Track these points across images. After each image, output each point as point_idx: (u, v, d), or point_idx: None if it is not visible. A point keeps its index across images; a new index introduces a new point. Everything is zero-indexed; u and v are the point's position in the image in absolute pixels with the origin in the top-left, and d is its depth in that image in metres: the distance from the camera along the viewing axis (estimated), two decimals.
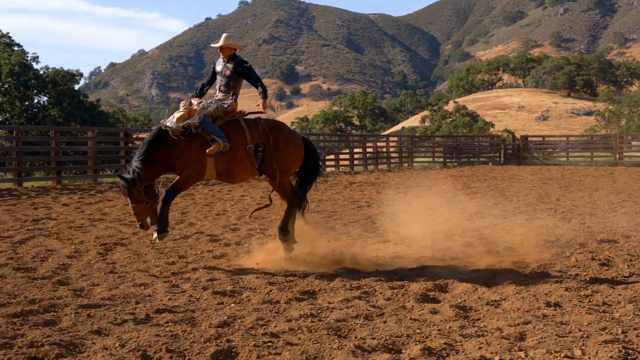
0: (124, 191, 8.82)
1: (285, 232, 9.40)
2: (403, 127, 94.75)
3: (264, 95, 9.38)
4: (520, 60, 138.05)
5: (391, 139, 44.07)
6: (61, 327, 6.25)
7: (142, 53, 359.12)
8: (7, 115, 42.90)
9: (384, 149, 39.04)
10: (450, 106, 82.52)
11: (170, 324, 6.33)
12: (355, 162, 35.83)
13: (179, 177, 9.05)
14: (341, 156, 36.09)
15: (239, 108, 9.49)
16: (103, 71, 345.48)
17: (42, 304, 7.02)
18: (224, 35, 9.59)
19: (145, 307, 6.94)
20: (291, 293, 7.61)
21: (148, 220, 8.94)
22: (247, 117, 9.53)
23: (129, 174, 8.78)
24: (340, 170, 33.66)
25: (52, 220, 13.79)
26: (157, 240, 9.04)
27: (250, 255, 9.85)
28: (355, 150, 36.82)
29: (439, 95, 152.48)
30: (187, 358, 5.40)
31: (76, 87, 43.75)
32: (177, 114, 8.94)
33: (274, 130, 9.41)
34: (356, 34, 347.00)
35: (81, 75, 44.90)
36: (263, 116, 9.63)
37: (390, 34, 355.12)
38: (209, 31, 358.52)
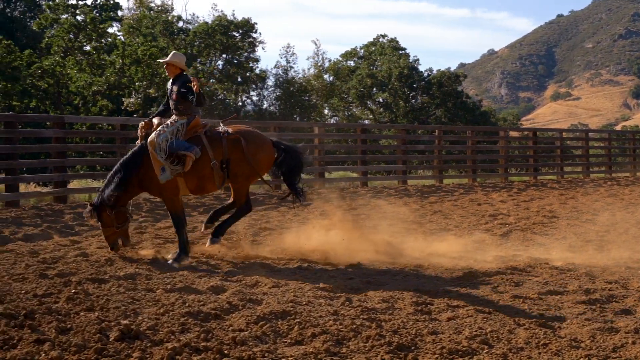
0: (93, 216, 9.01)
1: (220, 232, 9.32)
2: None
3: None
4: None
5: None
6: None
7: (491, 53, 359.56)
8: (393, 115, 45.45)
9: None
10: None
11: None
12: None
13: (166, 204, 9.25)
14: None
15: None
16: (453, 71, 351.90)
17: (602, 294, 7.41)
18: (172, 52, 9.45)
19: None
20: None
21: (120, 242, 9.09)
22: (214, 128, 9.37)
23: (99, 199, 8.93)
24: None
25: (508, 216, 14.43)
26: (175, 265, 8.71)
27: None
28: None
29: None
30: None
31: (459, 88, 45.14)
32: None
33: (240, 141, 9.16)
34: None
35: (465, 76, 46.32)
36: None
37: None
38: (561, 28, 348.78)
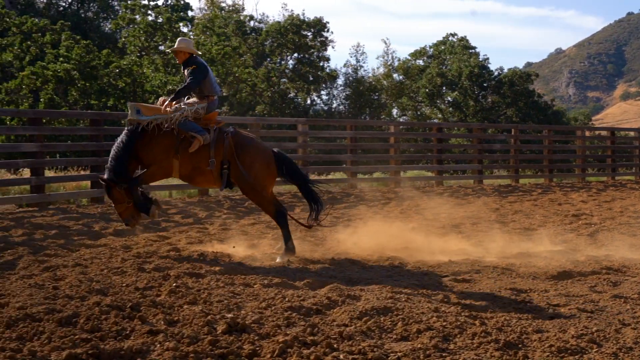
0: (106, 193, 9.28)
1: (291, 250, 8.99)
2: None
3: (174, 95, 9.20)
4: None
5: None
6: None
7: (558, 52, 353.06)
8: (462, 115, 45.07)
9: None
10: None
11: None
12: None
13: (146, 173, 9.17)
14: None
15: None
16: (524, 70, 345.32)
17: None
18: (178, 39, 9.53)
19: None
20: None
21: (132, 217, 9.30)
22: (222, 128, 9.32)
23: (108, 175, 9.03)
24: None
25: (591, 216, 14.20)
26: (151, 216, 9.32)
27: None
28: None
29: None
30: None
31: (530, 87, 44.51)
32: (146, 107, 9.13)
33: (240, 147, 9.15)
34: None
35: (537, 75, 45.69)
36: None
37: None
38: (631, 26, 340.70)
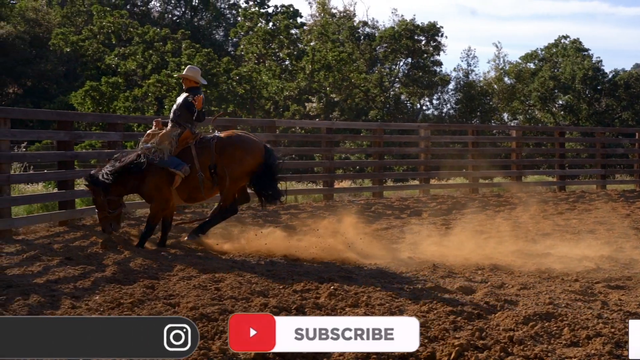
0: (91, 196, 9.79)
1: (198, 233, 9.86)
2: None
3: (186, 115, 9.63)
4: None
5: None
6: None
7: None
8: (575, 118, 44.03)
9: None
10: None
11: None
12: None
13: (150, 211, 9.89)
14: None
15: None
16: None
17: None
18: (188, 67, 10.08)
19: None
20: None
21: (109, 226, 9.65)
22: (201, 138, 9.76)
23: (97, 178, 9.39)
24: None
25: None
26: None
27: None
28: None
29: None
30: None
31: None
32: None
33: (229, 146, 9.61)
34: None
35: None
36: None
37: None
38: None
